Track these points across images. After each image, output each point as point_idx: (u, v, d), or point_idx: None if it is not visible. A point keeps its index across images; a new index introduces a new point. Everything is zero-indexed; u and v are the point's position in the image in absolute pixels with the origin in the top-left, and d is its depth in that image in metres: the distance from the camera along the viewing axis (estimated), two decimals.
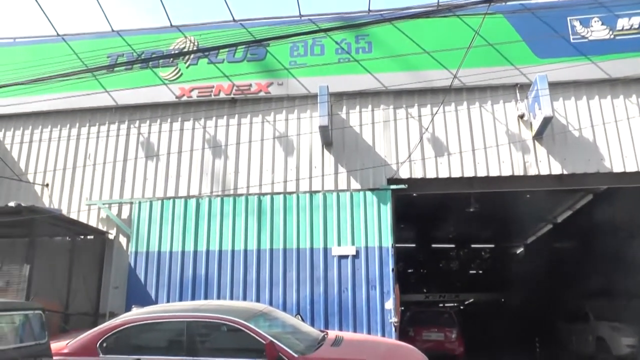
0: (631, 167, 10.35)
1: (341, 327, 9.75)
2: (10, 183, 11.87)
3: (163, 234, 10.84)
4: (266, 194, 10.89)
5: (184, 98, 11.83)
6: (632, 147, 10.45)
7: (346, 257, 10.21)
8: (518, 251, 25.92)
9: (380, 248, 10.18)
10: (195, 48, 12.11)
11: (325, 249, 10.32)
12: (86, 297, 10.59)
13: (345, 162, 11.01)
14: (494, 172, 10.61)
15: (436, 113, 10.91)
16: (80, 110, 12.23)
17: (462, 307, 29.89)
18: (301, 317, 8.71)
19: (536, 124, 10.36)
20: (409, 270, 29.48)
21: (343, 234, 10.37)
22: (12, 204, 9.28)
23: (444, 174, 10.70)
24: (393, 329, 9.66)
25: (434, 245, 27.47)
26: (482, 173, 10.63)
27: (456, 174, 10.67)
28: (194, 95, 11.80)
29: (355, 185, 10.80)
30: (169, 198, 11.17)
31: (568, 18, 11.15)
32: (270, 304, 9.73)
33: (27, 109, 12.18)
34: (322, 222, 10.48)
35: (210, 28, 12.16)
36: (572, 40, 10.99)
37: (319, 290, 10.08)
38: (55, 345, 6.38)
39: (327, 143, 11.07)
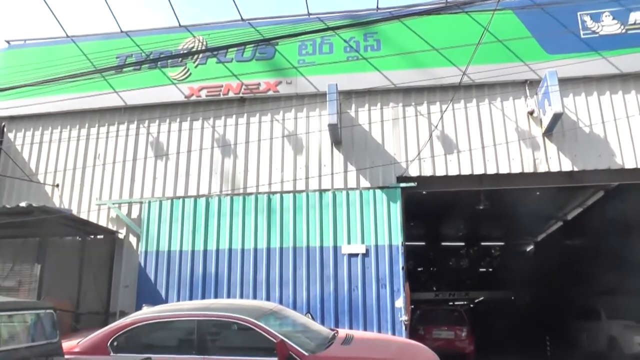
0: None
1: (351, 326, 9.73)
2: (21, 184, 11.95)
3: (173, 233, 10.87)
4: (275, 192, 10.89)
5: (193, 98, 11.85)
6: None
7: (356, 255, 10.19)
8: (528, 249, 25.78)
9: (390, 246, 10.15)
10: (203, 48, 12.13)
11: (335, 248, 10.30)
12: (97, 296, 10.64)
13: (354, 160, 10.99)
14: (503, 169, 10.55)
15: (445, 110, 10.86)
16: (90, 111, 12.29)
17: (472, 306, 29.82)
18: (311, 315, 8.71)
19: (546, 121, 10.28)
20: (419, 269, 29.45)
21: (353, 232, 10.35)
22: (23, 204, 9.34)
23: (453, 171, 10.66)
24: (403, 328, 9.64)
25: (443, 244, 27.37)
26: (491, 170, 10.57)
27: (466, 171, 10.62)
28: (203, 94, 11.82)
29: (364, 183, 10.77)
30: (179, 197, 11.19)
31: (578, 13, 11.05)
32: (280, 302, 9.72)
33: (37, 110, 12.26)
34: (332, 220, 10.47)
35: (219, 27, 12.18)
36: (582, 36, 10.90)
37: (329, 288, 10.07)
38: (66, 344, 6.40)
39: (337, 141, 11.05)
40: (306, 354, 6.25)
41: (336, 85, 10.61)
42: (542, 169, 10.49)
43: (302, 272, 10.24)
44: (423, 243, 25.75)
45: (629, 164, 10.27)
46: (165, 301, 10.25)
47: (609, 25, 10.92)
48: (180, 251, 10.71)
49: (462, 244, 28.70)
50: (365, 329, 9.69)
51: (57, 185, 11.94)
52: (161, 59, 11.76)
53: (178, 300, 10.33)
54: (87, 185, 11.82)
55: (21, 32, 55.80)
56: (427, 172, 10.71)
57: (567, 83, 10.46)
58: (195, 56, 12.02)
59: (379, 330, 9.65)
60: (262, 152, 11.38)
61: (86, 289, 10.39)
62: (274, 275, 10.30)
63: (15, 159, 12.24)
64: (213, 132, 11.72)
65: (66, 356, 6.00)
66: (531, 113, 10.76)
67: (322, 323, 9.22)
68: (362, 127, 11.21)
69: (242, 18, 12.15)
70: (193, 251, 10.67)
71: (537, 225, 21.24)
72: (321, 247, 10.34)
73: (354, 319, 9.84)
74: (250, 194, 10.98)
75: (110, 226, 11.42)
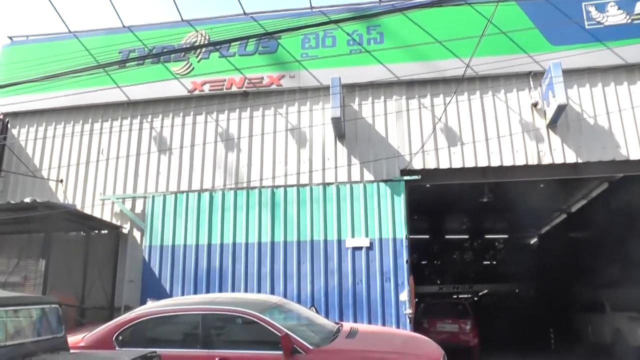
0: None
1: (356, 319, 9.74)
2: (26, 179, 11.98)
3: (177, 227, 10.88)
4: (279, 186, 10.89)
5: (196, 92, 11.85)
6: None
7: (360, 248, 10.19)
8: (532, 241, 25.75)
9: (394, 239, 10.14)
10: (206, 42, 12.10)
11: (339, 241, 10.30)
12: (101, 291, 10.68)
13: (358, 154, 10.97)
14: (507, 162, 10.52)
15: (449, 103, 10.82)
16: (93, 106, 12.30)
17: (476, 299, 29.80)
18: (315, 309, 8.72)
19: (550, 112, 10.24)
20: (423, 262, 29.40)
21: (357, 225, 10.34)
22: (27, 200, 9.38)
23: (457, 164, 10.63)
24: (407, 321, 9.64)
25: (447, 237, 27.37)
26: (495, 163, 10.55)
27: (469, 164, 10.60)
28: (206, 89, 11.81)
29: (368, 176, 10.76)
30: (183, 192, 11.20)
31: (583, 4, 10.98)
32: (285, 296, 9.73)
33: (41, 105, 12.28)
34: (336, 214, 10.46)
35: (221, 22, 12.15)
36: (587, 27, 10.82)
37: (333, 282, 10.08)
38: (71, 339, 6.42)
39: (340, 135, 11.04)
40: (311, 347, 6.26)
41: (339, 78, 10.58)
42: (546, 161, 10.45)
43: (306, 266, 10.24)
44: (427, 236, 25.75)
45: (634, 155, 10.22)
46: (170, 295, 10.27)
47: (614, 16, 10.84)
48: (185, 245, 10.72)
49: (466, 237, 28.67)
50: (369, 322, 9.70)
51: (61, 181, 11.96)
52: (164, 53, 11.74)
53: (182, 294, 10.35)
54: (91, 181, 11.84)
55: (23, 29, 55.84)
56: (431, 165, 10.68)
57: (572, 74, 10.41)
58: (198, 51, 12.01)
59: (383, 324, 9.65)
60: (265, 146, 11.38)
61: (91, 284, 10.43)
62: (278, 269, 10.31)
63: (19, 154, 12.27)
64: (216, 126, 11.71)
65: (71, 351, 6.02)
66: (535, 105, 10.72)
67: (327, 317, 9.24)
68: (365, 120, 11.19)
69: (244, 12, 12.13)
70: (197, 245, 10.68)
71: (541, 218, 21.21)
72: (325, 241, 10.33)
73: (358, 313, 9.85)
74: (254, 188, 10.98)
75: (114, 221, 11.45)
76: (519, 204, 16.62)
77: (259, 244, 10.50)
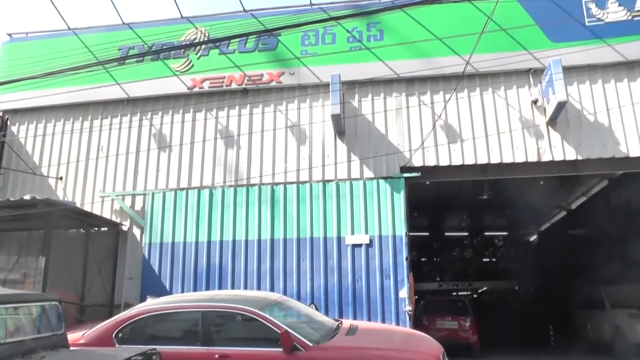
0: None
1: (355, 316, 9.74)
2: (25, 176, 11.97)
3: (177, 224, 10.88)
4: (279, 183, 10.89)
5: (196, 89, 11.83)
6: None
7: (360, 246, 10.18)
8: (532, 238, 25.75)
9: (394, 237, 10.14)
10: (206, 39, 12.09)
11: (339, 238, 10.30)
12: (101, 288, 10.68)
13: (358, 151, 10.96)
14: (507, 159, 10.52)
15: (449, 100, 10.82)
16: (93, 103, 12.29)
17: (475, 296, 29.84)
18: (315, 306, 8.71)
19: (550, 109, 10.24)
20: (423, 259, 29.44)
21: (356, 222, 10.33)
22: (27, 197, 9.36)
23: (457, 161, 10.63)
24: (407, 318, 9.65)
25: (447, 234, 27.38)
26: (495, 160, 10.54)
27: (469, 160, 10.59)
28: (206, 86, 11.80)
29: (368, 173, 10.75)
30: (182, 189, 11.20)
31: (583, 0, 10.96)
32: (285, 293, 9.73)
33: (40, 102, 12.27)
34: (336, 211, 10.46)
35: (221, 19, 12.13)
36: (587, 23, 10.80)
37: (332, 279, 10.08)
38: (71, 336, 6.42)
39: (340, 132, 11.03)
40: (310, 344, 6.26)
41: (339, 75, 10.56)
42: (546, 158, 10.44)
43: (306, 263, 10.24)
44: (427, 233, 25.74)
45: (634, 153, 10.22)
46: (170, 293, 10.27)
47: (614, 12, 10.82)
48: (184, 243, 10.72)
49: (466, 234, 28.68)
50: (369, 319, 9.70)
51: (61, 178, 11.96)
52: (163, 50, 11.75)
53: (182, 291, 10.35)
54: (90, 178, 11.83)
55: (23, 25, 55.76)
56: (431, 162, 10.68)
57: (572, 71, 10.39)
58: (198, 48, 11.99)
59: (383, 321, 9.66)
60: (265, 143, 11.37)
61: (91, 281, 10.43)
62: (278, 266, 10.31)
63: (19, 152, 12.26)
64: (216, 123, 11.71)
65: (71, 348, 6.02)
66: (535, 102, 10.71)
67: (326, 314, 9.24)
68: (365, 117, 11.18)
69: (244, 9, 12.11)
70: (197, 242, 10.68)
71: (541, 215, 21.21)
72: (325, 238, 10.33)
73: (358, 310, 9.85)
74: (254, 185, 10.97)
75: (114, 218, 11.45)
76: (518, 201, 16.64)
77: (259, 241, 10.50)
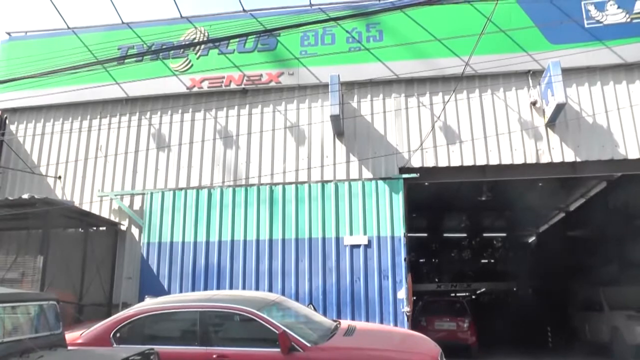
0: None
1: (354, 317, 9.75)
2: (24, 176, 11.97)
3: (175, 224, 10.88)
4: (278, 183, 10.89)
5: (195, 89, 11.83)
6: None
7: (358, 246, 10.19)
8: (530, 240, 25.77)
9: (393, 237, 10.15)
10: (205, 39, 12.08)
11: (338, 239, 10.30)
12: (99, 288, 10.67)
13: (356, 152, 10.97)
14: (506, 160, 10.53)
15: (448, 101, 10.82)
16: (92, 103, 12.28)
17: (474, 297, 29.84)
18: (313, 306, 8.70)
19: (549, 111, 10.25)
20: (421, 260, 29.43)
21: (355, 223, 10.34)
22: (25, 196, 9.36)
23: (456, 162, 10.63)
24: (405, 319, 9.65)
25: (446, 235, 27.38)
26: (494, 161, 10.55)
27: (468, 162, 10.60)
28: (205, 86, 11.79)
29: (367, 174, 10.75)
30: (181, 189, 11.20)
31: (582, 2, 10.98)
32: (283, 293, 9.73)
33: (39, 102, 12.25)
34: (334, 211, 10.46)
35: (220, 19, 12.12)
36: (586, 25, 10.82)
37: (331, 280, 10.08)
38: (69, 336, 6.41)
39: (339, 132, 11.03)
40: (308, 345, 6.25)
41: (338, 76, 10.57)
42: (544, 159, 10.45)
43: (305, 264, 10.25)
44: (425, 234, 25.75)
45: (632, 155, 10.23)
46: (168, 292, 10.28)
47: (613, 14, 10.84)
48: (183, 242, 10.72)
49: (465, 235, 28.68)
50: (367, 320, 9.70)
51: (60, 177, 11.95)
52: (163, 50, 11.73)
53: (180, 291, 10.35)
54: (89, 177, 11.83)
55: (22, 24, 55.72)
56: (430, 163, 10.69)
57: (571, 73, 10.41)
58: (197, 47, 11.98)
59: (381, 322, 9.66)
60: (264, 143, 11.37)
61: (89, 281, 10.42)
62: (276, 266, 10.31)
63: (18, 151, 12.25)
64: (215, 123, 11.70)
65: (69, 347, 6.01)
66: (534, 103, 10.72)
67: (325, 314, 9.24)
68: (364, 118, 11.18)
69: (244, 9, 12.11)
70: (195, 242, 10.68)
71: (540, 217, 21.23)
72: (323, 239, 10.34)
73: (356, 310, 9.85)
74: (253, 185, 10.97)
75: (112, 218, 11.44)
76: (517, 202, 16.67)
77: (257, 241, 10.50)
